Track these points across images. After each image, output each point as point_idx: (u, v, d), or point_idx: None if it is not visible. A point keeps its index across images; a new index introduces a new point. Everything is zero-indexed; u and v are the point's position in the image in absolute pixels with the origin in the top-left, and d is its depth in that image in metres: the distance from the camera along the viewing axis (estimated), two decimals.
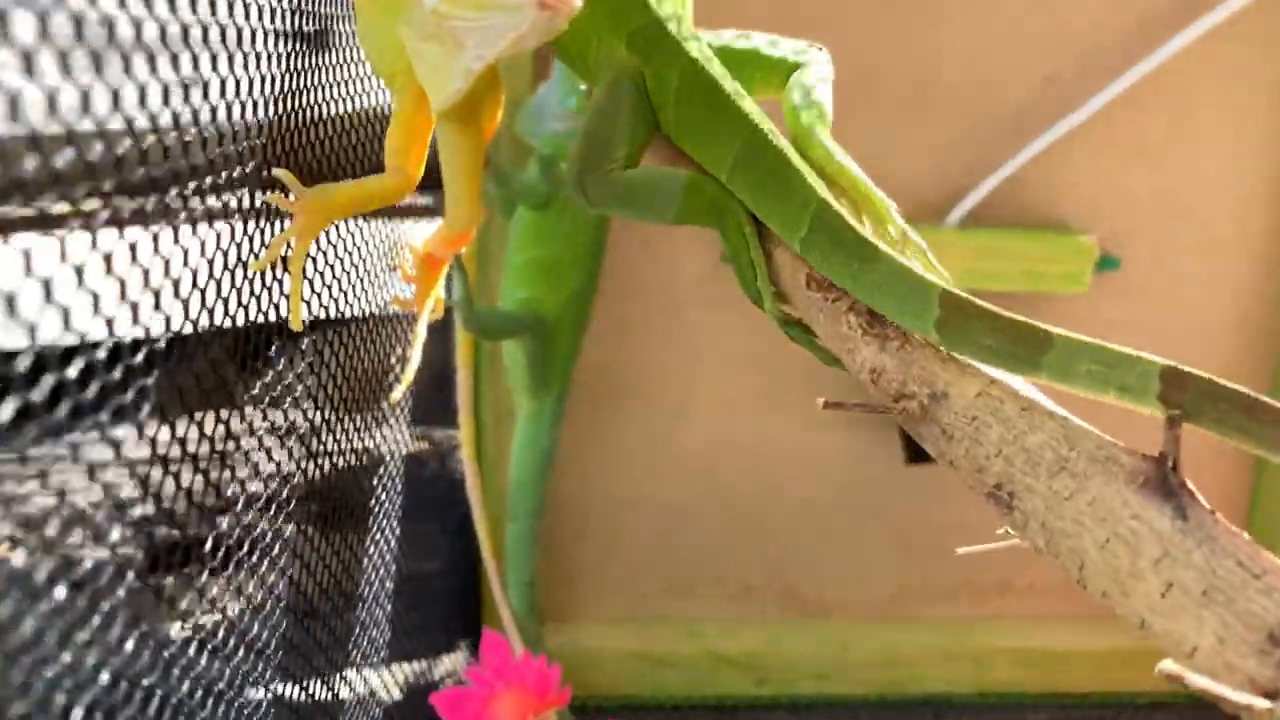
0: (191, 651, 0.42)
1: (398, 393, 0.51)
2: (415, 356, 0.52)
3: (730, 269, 0.41)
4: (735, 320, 0.81)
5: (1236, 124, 0.79)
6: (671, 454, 0.85)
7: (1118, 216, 0.79)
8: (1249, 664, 0.26)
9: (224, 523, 0.45)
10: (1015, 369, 0.32)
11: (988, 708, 0.86)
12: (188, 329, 0.37)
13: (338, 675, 0.64)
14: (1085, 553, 0.30)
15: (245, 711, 0.46)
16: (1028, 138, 0.76)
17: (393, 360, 0.68)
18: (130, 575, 0.35)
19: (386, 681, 0.74)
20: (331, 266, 0.53)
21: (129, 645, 0.35)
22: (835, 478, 0.86)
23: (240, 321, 0.43)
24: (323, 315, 0.53)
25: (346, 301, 0.56)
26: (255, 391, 0.49)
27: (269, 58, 0.43)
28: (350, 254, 0.56)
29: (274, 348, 0.49)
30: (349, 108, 0.56)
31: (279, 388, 0.51)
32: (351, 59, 0.55)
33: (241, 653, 0.46)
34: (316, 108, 0.50)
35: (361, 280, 0.60)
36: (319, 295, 0.51)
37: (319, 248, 0.50)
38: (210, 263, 0.38)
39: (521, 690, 0.64)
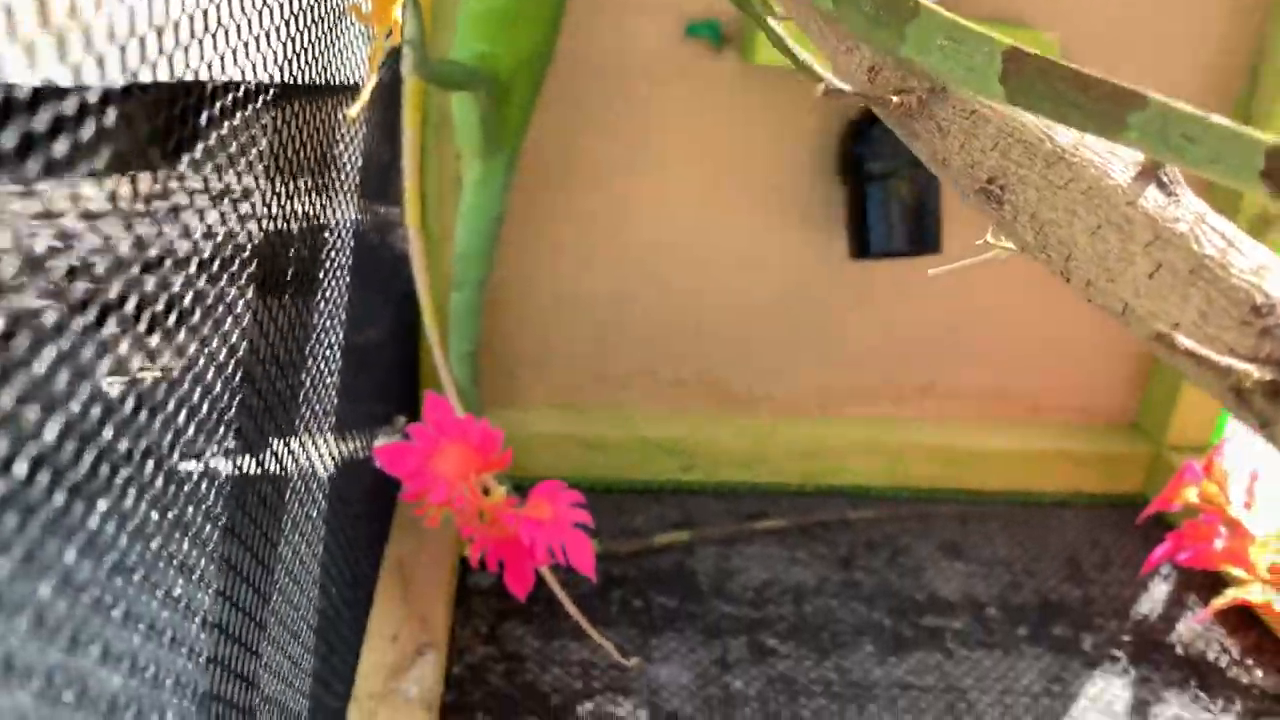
0: (131, 410, 0.40)
1: (354, 109, 0.48)
2: (372, 78, 0.49)
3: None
4: (686, 104, 0.79)
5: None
6: (611, 245, 0.84)
7: (1076, 17, 0.79)
8: (1230, 335, 0.27)
9: (167, 279, 0.43)
10: (885, 41, 0.31)
11: (900, 501, 0.90)
12: (123, 80, 0.34)
13: (280, 439, 0.63)
14: (1074, 242, 0.30)
15: (188, 475, 0.45)
16: None
17: (340, 128, 0.64)
18: (73, 326, 0.33)
19: (329, 447, 0.74)
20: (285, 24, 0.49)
21: (72, 400, 0.33)
22: (773, 277, 0.86)
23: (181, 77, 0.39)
24: (272, 77, 0.50)
25: (296, 64, 0.53)
26: (197, 151, 0.46)
27: None
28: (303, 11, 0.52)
29: (218, 107, 0.45)
30: None
31: (224, 148, 0.48)
32: None
33: (183, 415, 0.45)
34: None
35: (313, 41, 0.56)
36: (266, 56, 0.48)
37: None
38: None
39: (464, 446, 0.64)
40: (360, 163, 0.74)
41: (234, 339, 0.53)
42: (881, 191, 0.76)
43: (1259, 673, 0.74)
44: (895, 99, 0.32)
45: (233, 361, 0.52)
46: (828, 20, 0.36)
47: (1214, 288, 0.27)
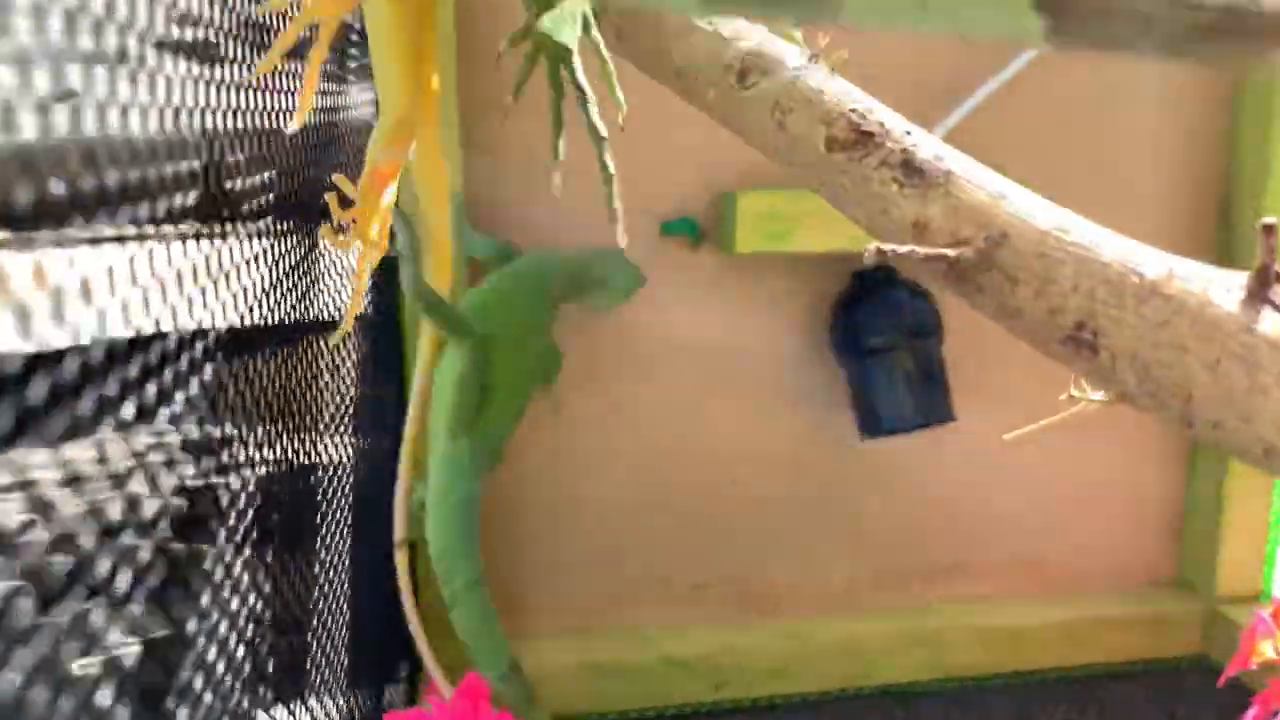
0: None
1: (336, 337, 0.45)
2: (358, 299, 0.46)
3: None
4: (670, 301, 0.77)
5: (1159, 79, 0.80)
6: (609, 454, 0.80)
7: (1052, 161, 0.79)
8: None
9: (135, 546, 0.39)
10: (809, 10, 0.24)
11: (949, 692, 0.83)
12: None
13: (277, 702, 0.56)
14: (1191, 381, 0.26)
15: None
16: (963, 95, 0.76)
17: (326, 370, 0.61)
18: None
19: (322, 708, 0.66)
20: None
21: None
22: (781, 468, 0.82)
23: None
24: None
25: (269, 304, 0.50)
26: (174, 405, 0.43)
27: None
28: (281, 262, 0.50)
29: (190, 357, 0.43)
30: None
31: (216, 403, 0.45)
32: None
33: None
34: None
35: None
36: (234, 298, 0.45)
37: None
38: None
39: None
40: (352, 405, 0.71)
41: (226, 602, 0.48)
42: (884, 365, 0.74)
43: None
44: (952, 253, 0.30)
45: (222, 627, 0.47)
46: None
47: None
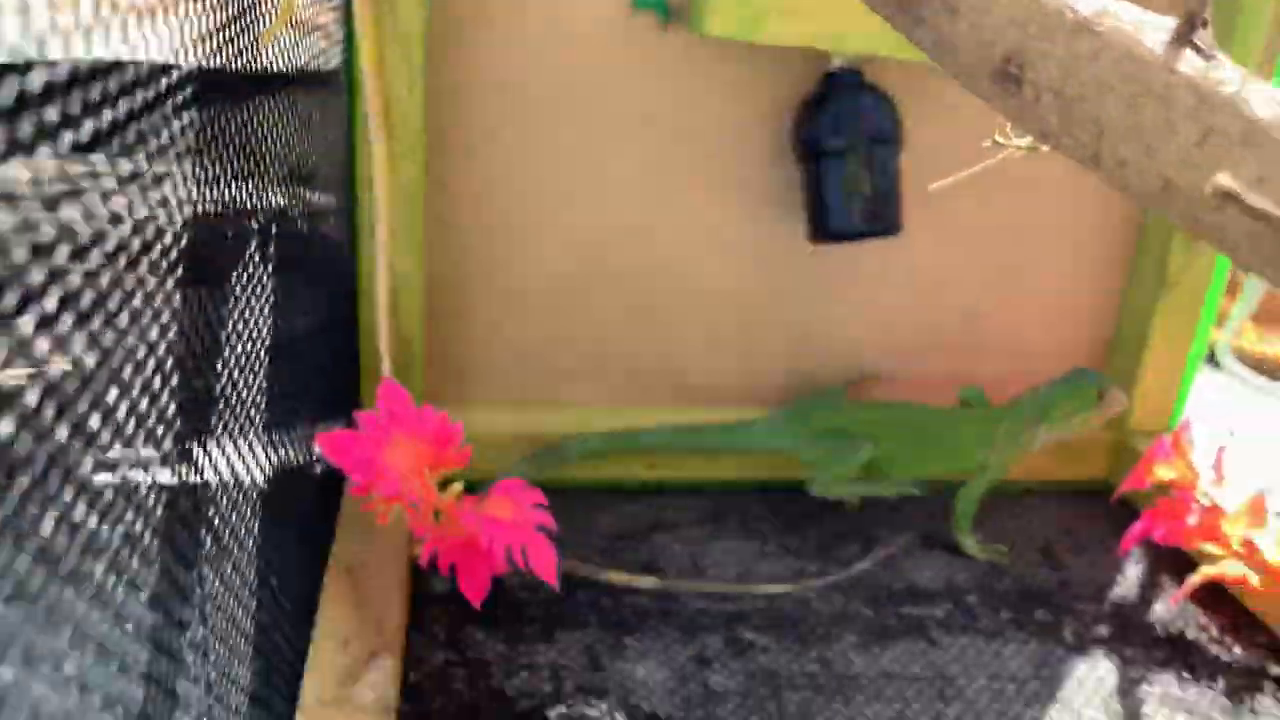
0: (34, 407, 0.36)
1: (267, 33, 0.45)
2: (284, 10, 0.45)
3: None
4: (631, 80, 0.76)
5: None
6: (557, 231, 0.80)
7: None
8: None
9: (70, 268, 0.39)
10: None
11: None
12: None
13: (204, 437, 0.58)
14: (1106, 117, 0.27)
15: (105, 478, 0.40)
16: None
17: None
18: None
19: (260, 443, 0.69)
20: None
21: None
22: (729, 263, 0.83)
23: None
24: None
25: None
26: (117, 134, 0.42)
27: None
28: None
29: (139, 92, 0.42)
30: None
31: (145, 131, 0.44)
32: None
33: (96, 411, 0.40)
34: None
35: None
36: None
37: None
38: None
39: (418, 440, 0.60)
40: (300, 151, 0.70)
41: (157, 331, 0.48)
42: (838, 169, 0.74)
43: (1238, 649, 0.73)
44: None
45: (154, 355, 0.48)
46: None
47: (1271, 151, 0.25)
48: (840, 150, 0.74)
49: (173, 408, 0.49)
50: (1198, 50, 0.27)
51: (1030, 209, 0.86)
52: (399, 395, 0.60)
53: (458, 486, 0.60)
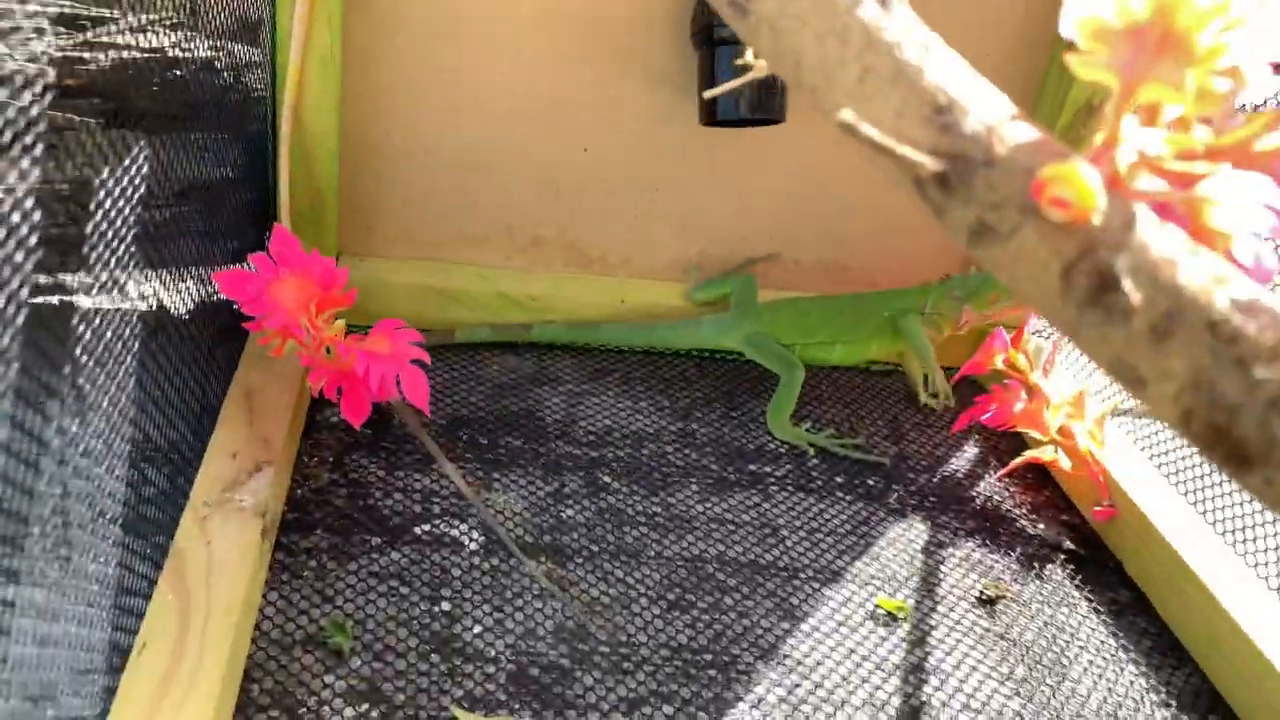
0: None
1: None
2: None
3: None
4: None
5: None
6: (471, 104, 0.85)
7: None
8: (918, 132, 0.31)
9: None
10: None
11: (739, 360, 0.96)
12: None
13: (116, 270, 0.64)
14: (803, 50, 0.34)
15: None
16: None
17: None
18: None
19: (172, 280, 0.75)
20: None
21: None
22: (628, 142, 0.89)
23: None
24: None
25: None
26: None
27: None
28: None
29: None
30: None
31: None
32: None
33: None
34: None
35: None
36: None
37: None
38: None
39: (306, 280, 0.66)
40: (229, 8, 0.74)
41: (59, 163, 0.54)
42: (729, 56, 0.79)
43: (1042, 525, 0.83)
44: None
45: (53, 187, 0.53)
46: None
47: (910, 90, 0.31)
48: (732, 39, 0.79)
49: (88, 237, 0.55)
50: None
51: None
52: (289, 241, 0.66)
53: (341, 324, 0.67)
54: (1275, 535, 0.74)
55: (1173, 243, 0.28)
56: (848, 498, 0.81)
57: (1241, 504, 0.77)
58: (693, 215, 0.93)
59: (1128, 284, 0.28)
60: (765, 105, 0.81)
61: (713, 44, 0.80)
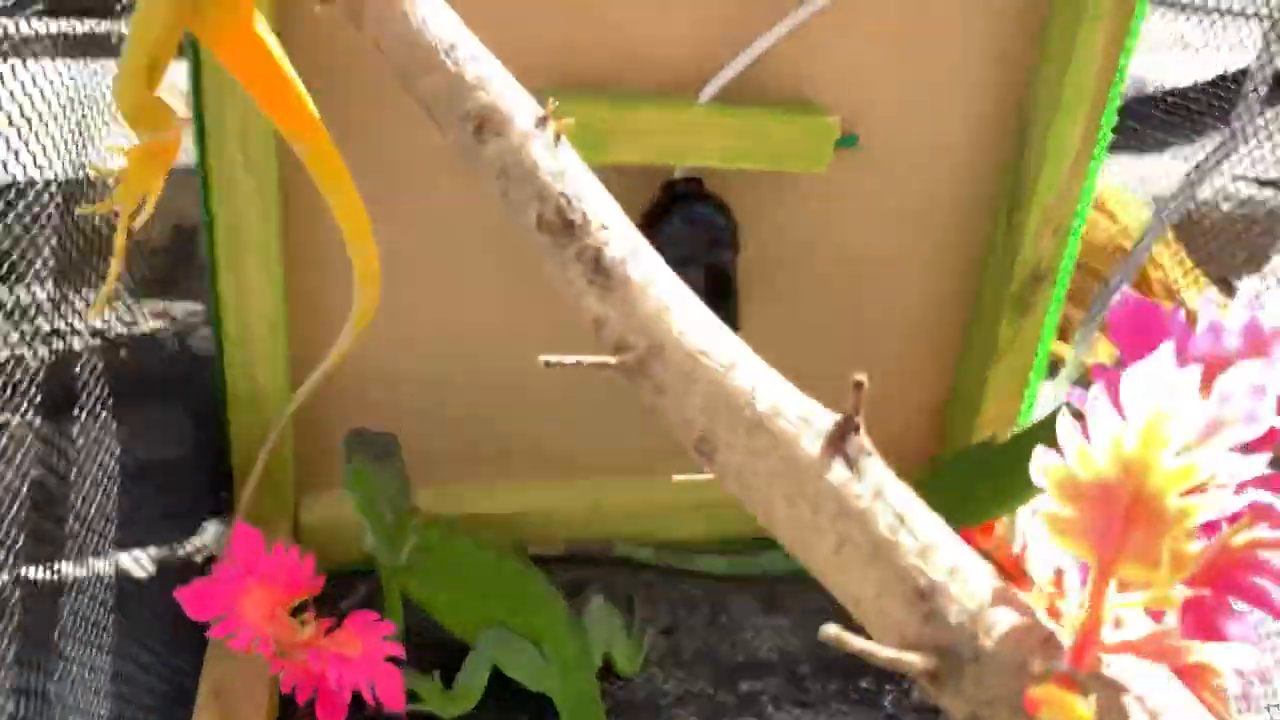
0: None
1: (95, 307, 0.47)
2: (115, 267, 0.48)
3: None
4: (489, 201, 0.79)
5: (966, 9, 0.82)
6: (425, 332, 0.84)
7: (858, 96, 0.82)
8: (900, 614, 0.30)
9: None
10: None
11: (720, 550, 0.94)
12: None
13: (66, 561, 0.62)
14: (775, 506, 0.33)
15: None
16: (776, 19, 0.77)
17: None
18: None
19: (131, 566, 0.72)
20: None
21: None
22: (585, 350, 0.88)
23: None
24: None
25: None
26: None
27: None
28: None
29: None
30: None
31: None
32: None
33: None
34: None
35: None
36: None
37: None
38: None
39: (273, 585, 0.64)
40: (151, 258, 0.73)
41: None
42: (680, 277, 0.79)
43: None
44: (614, 360, 0.34)
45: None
46: None
47: (888, 568, 0.30)
48: (682, 260, 0.78)
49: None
50: (847, 459, 0.32)
51: (865, 296, 0.91)
52: (250, 538, 0.64)
53: (310, 628, 0.64)
54: None
55: None
56: (843, 706, 0.79)
57: None
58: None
59: None
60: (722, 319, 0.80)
61: None
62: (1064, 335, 1.20)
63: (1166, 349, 0.30)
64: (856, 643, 0.29)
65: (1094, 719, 0.27)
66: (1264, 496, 0.33)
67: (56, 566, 0.62)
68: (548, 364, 0.34)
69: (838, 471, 0.32)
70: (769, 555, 0.90)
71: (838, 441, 0.32)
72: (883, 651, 0.29)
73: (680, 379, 0.34)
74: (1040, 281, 0.90)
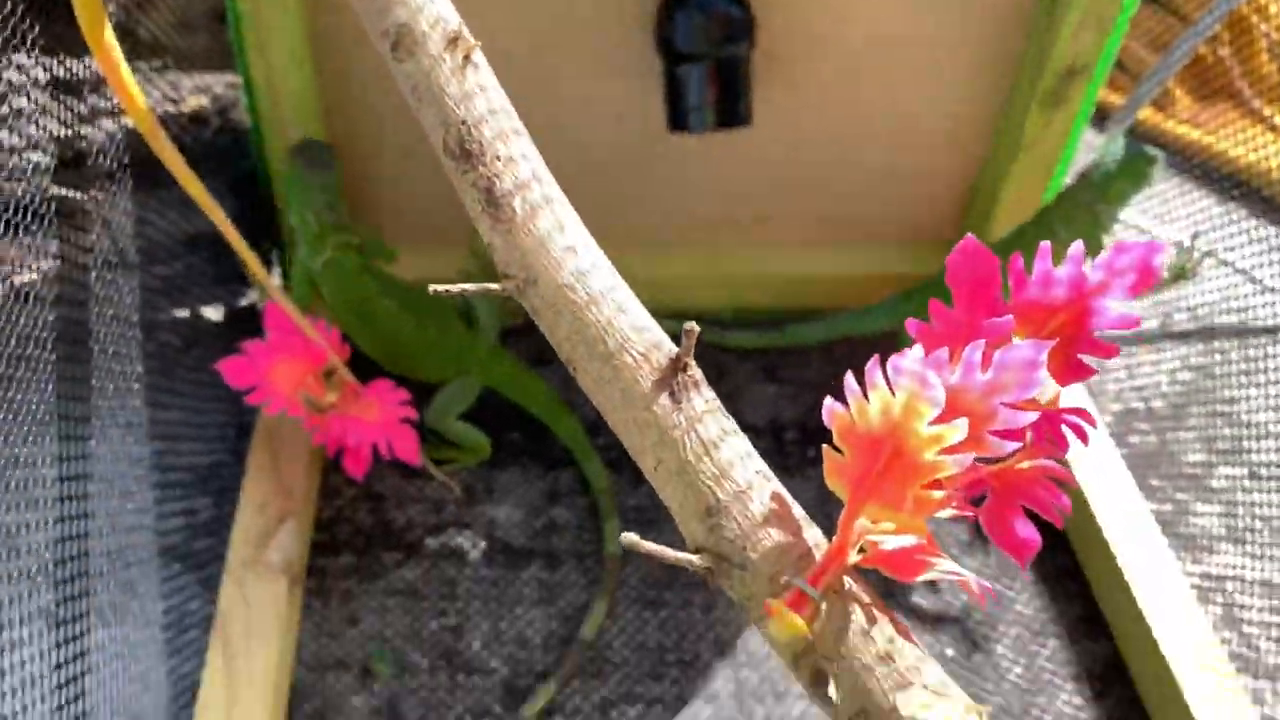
0: None
1: None
2: None
3: None
4: None
5: None
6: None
7: None
8: (694, 525, 0.38)
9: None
10: None
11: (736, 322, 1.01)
12: None
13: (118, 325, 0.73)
14: (615, 425, 0.40)
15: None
16: None
17: None
18: None
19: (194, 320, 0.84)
20: None
21: None
22: (616, 124, 0.91)
23: None
24: None
25: None
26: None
27: None
28: None
29: None
30: None
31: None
32: None
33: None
34: None
35: None
36: None
37: None
38: None
39: (301, 357, 0.75)
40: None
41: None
42: (690, 74, 0.80)
43: None
44: (497, 287, 0.40)
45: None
46: None
47: (690, 488, 0.38)
48: (693, 54, 0.80)
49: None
50: (672, 393, 0.38)
51: (896, 81, 0.90)
52: (283, 319, 0.74)
53: (338, 387, 0.76)
54: (1207, 517, 0.81)
55: (870, 653, 0.35)
56: (817, 472, 0.89)
57: (1183, 489, 0.83)
58: (679, 188, 0.96)
59: (832, 688, 0.36)
60: (734, 112, 0.82)
61: (675, 58, 0.80)
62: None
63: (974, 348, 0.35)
64: (646, 546, 0.37)
65: (810, 629, 0.35)
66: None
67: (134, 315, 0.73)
68: (435, 292, 0.40)
69: (663, 403, 0.38)
70: (791, 328, 0.97)
71: (668, 377, 0.38)
72: (668, 553, 0.37)
73: (549, 310, 0.40)
74: (1075, 76, 0.88)
